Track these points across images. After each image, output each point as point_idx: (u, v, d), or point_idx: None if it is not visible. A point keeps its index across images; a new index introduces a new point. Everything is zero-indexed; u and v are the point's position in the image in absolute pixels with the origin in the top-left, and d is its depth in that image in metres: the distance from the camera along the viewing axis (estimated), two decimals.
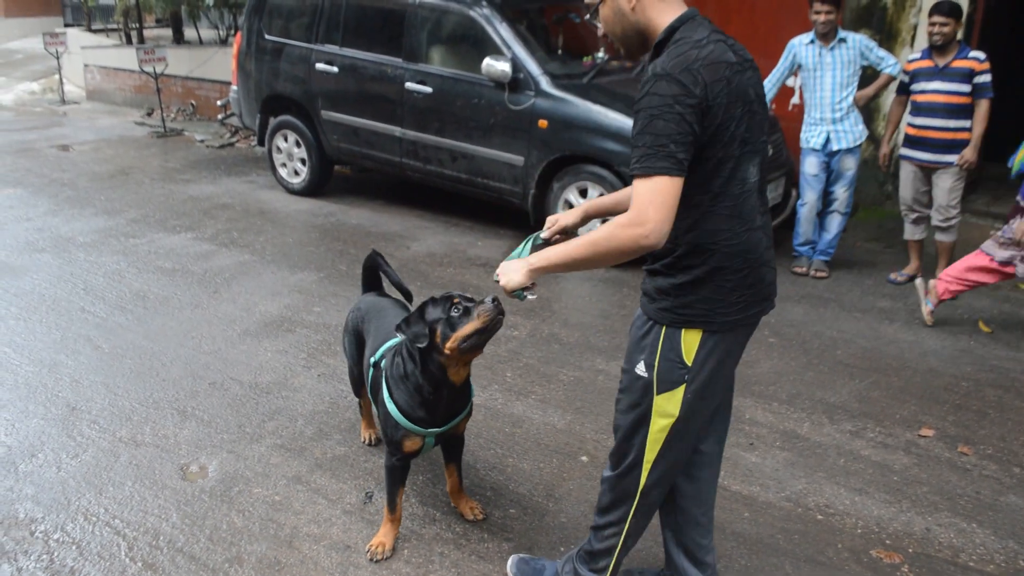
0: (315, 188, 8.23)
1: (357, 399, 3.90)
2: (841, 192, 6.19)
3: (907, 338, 5.23)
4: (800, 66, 6.14)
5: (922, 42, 6.20)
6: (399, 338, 3.13)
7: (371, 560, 3.14)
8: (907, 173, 6.07)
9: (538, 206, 6.64)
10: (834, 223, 6.27)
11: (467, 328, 2.76)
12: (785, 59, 6.20)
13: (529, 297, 2.47)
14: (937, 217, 5.94)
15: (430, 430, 3.02)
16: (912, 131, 5.92)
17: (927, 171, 5.94)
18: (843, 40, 5.97)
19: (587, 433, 4.06)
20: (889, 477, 3.76)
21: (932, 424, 4.21)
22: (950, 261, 6.00)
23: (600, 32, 2.43)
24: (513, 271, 2.41)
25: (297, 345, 4.94)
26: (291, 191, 8.34)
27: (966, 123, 5.72)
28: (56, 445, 3.87)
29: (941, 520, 3.47)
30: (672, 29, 2.23)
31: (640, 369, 2.42)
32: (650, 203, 2.07)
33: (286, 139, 8.23)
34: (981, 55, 5.67)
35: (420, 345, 2.84)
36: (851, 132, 6.08)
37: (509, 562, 3.08)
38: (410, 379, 2.95)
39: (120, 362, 4.70)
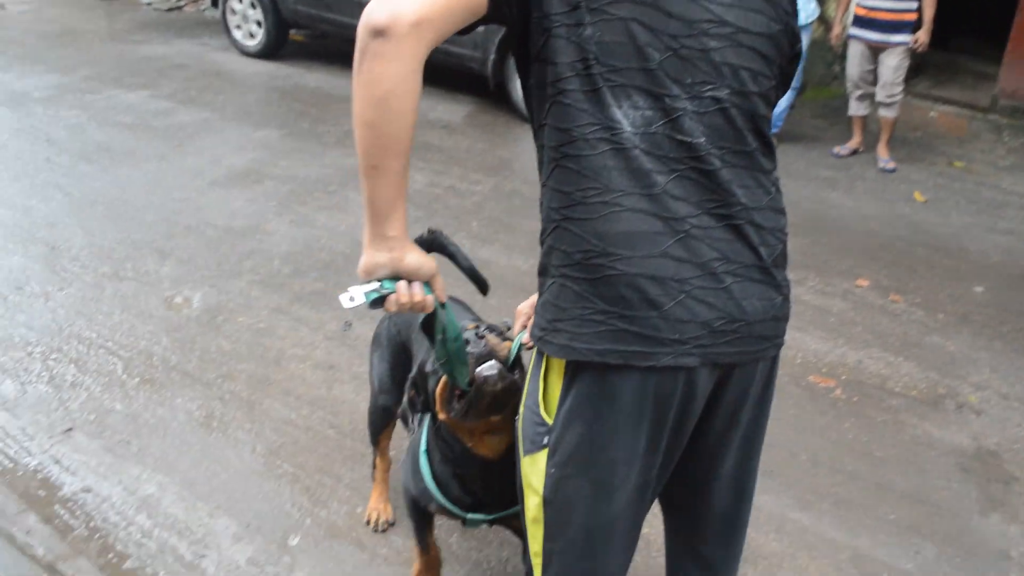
0: (270, 52, 8.16)
1: (373, 446, 2.67)
2: None
3: (848, 204, 5.55)
4: None
5: None
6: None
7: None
8: (855, 51, 6.29)
9: (498, 72, 6.74)
10: (784, 96, 6.49)
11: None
12: None
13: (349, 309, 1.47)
14: (882, 94, 6.20)
15: (470, 515, 2.09)
16: (861, 11, 6.11)
17: (875, 50, 6.17)
18: None
19: None
20: (827, 319, 4.10)
21: (867, 276, 4.55)
22: (891, 137, 6.33)
23: None
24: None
25: (266, 195, 5.07)
26: (246, 54, 8.25)
27: (913, 4, 5.94)
28: (41, 279, 4.00)
29: (872, 354, 3.83)
30: None
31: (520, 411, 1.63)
32: None
33: (241, 1, 8.11)
34: None
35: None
36: (803, 9, 6.24)
37: None
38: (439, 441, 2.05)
39: (92, 207, 4.79)
